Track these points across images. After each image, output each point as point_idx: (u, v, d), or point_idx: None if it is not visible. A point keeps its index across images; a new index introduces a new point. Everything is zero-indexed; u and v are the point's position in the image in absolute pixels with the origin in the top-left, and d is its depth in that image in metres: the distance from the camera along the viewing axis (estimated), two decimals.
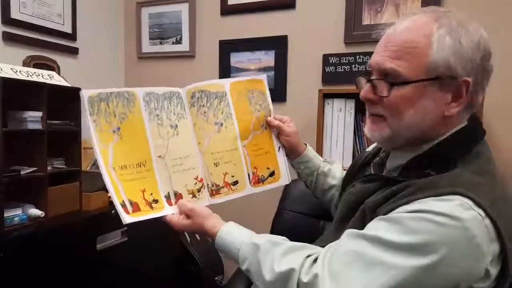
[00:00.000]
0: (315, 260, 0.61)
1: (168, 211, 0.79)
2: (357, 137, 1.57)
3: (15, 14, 1.60)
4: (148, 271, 1.57)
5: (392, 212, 0.58)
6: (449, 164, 0.61)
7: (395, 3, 1.60)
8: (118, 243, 1.42)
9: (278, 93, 1.82)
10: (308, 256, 0.63)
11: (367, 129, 0.71)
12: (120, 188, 0.73)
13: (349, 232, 0.62)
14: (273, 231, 1.39)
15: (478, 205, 0.54)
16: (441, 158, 0.63)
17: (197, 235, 1.84)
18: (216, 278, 1.77)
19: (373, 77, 0.67)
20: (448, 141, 0.64)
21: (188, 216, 0.78)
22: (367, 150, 0.90)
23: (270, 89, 1.80)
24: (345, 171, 1.02)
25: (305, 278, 0.59)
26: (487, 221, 0.54)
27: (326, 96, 1.59)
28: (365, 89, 0.68)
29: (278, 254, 0.64)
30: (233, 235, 0.72)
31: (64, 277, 1.24)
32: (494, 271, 0.56)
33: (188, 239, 1.78)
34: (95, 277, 1.33)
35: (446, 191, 0.56)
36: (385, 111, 0.66)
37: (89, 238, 1.33)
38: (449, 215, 0.53)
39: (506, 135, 1.49)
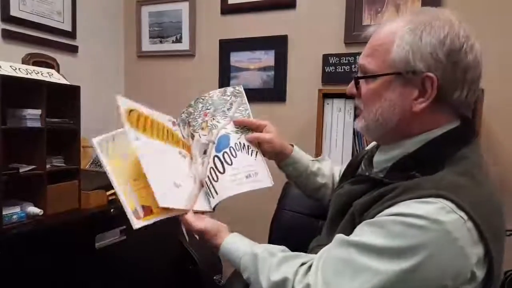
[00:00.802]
0: (309, 267, 0.64)
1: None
2: (356, 137, 1.58)
3: (14, 12, 1.60)
4: (147, 270, 1.57)
5: (378, 215, 0.59)
6: (434, 166, 0.61)
7: (395, 3, 1.61)
8: (117, 241, 1.42)
9: (278, 93, 1.83)
10: (302, 264, 0.66)
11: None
12: (134, 198, 0.80)
13: (337, 238, 0.63)
14: (272, 231, 1.39)
15: (460, 208, 0.54)
16: (426, 160, 0.63)
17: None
18: (214, 277, 1.77)
19: (355, 74, 0.73)
20: (434, 143, 0.64)
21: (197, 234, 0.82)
22: (366, 149, 0.91)
23: (270, 89, 1.84)
24: (336, 168, 1.03)
25: (298, 286, 0.62)
26: (470, 224, 0.54)
27: (325, 96, 1.59)
28: (349, 85, 0.74)
29: (274, 264, 0.67)
30: (236, 245, 0.76)
31: (63, 276, 1.24)
32: (480, 273, 0.56)
33: (187, 238, 1.78)
34: (94, 275, 1.33)
35: (429, 193, 0.56)
36: (362, 104, 0.71)
37: (88, 236, 1.33)
38: (430, 218, 0.53)
39: (505, 136, 1.49)
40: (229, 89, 1.00)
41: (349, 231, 0.63)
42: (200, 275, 1.70)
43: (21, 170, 1.19)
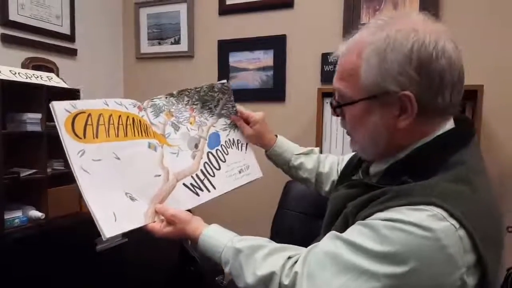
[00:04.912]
0: (296, 261, 0.63)
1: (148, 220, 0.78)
2: None
3: (13, 16, 1.60)
4: (148, 272, 1.57)
5: (369, 218, 0.59)
6: (426, 171, 0.60)
7: (393, 1, 1.60)
8: (118, 244, 1.42)
9: (277, 93, 1.83)
10: (289, 257, 0.65)
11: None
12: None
13: (330, 233, 0.63)
14: (273, 231, 1.39)
15: (452, 215, 0.53)
16: (417, 165, 0.62)
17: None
18: (216, 278, 1.77)
19: (333, 99, 0.71)
20: (423, 148, 0.63)
21: (169, 223, 0.78)
22: None
23: (269, 89, 1.84)
24: (329, 159, 1.05)
25: (285, 280, 0.61)
26: (462, 232, 0.53)
27: (325, 95, 1.59)
28: (331, 111, 0.73)
29: (260, 258, 0.66)
30: (215, 238, 0.74)
31: (65, 278, 1.24)
32: (471, 280, 0.55)
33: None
34: (96, 278, 1.33)
35: (420, 200, 0.55)
36: (348, 127, 0.70)
37: (89, 239, 1.33)
38: (421, 226, 0.52)
39: (506, 136, 1.49)
40: (217, 85, 1.01)
41: (342, 231, 0.62)
42: (202, 276, 1.71)
43: (22, 174, 1.19)
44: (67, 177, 1.33)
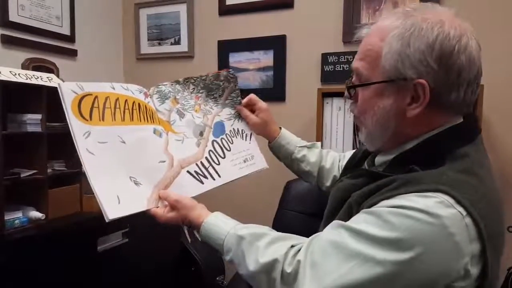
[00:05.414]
0: (299, 250, 0.63)
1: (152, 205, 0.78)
2: (356, 135, 1.57)
3: (13, 17, 1.60)
4: (149, 272, 1.57)
5: (375, 205, 0.59)
6: (434, 161, 0.60)
7: (393, 1, 1.60)
8: (119, 244, 1.42)
9: (277, 93, 1.83)
10: (292, 246, 0.64)
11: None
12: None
13: (333, 222, 0.63)
14: None
15: (460, 203, 0.54)
16: (425, 154, 0.63)
17: (197, 235, 1.84)
18: (217, 278, 1.77)
19: (349, 80, 0.72)
20: (432, 140, 0.64)
21: (173, 208, 0.78)
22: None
23: (270, 89, 1.84)
24: (331, 154, 1.05)
25: (288, 269, 0.61)
26: (468, 220, 0.53)
27: (325, 95, 1.59)
28: (345, 93, 0.73)
29: (263, 245, 0.66)
30: (218, 225, 0.74)
31: (66, 279, 1.24)
32: (475, 270, 0.55)
33: (189, 239, 1.78)
34: (97, 278, 1.33)
35: (428, 187, 0.55)
36: (358, 110, 0.70)
37: (90, 239, 1.34)
38: (428, 212, 0.53)
39: (506, 134, 1.49)
40: (223, 73, 1.01)
41: (345, 220, 0.62)
42: (202, 276, 1.71)
43: (22, 175, 1.19)
44: (68, 178, 1.33)
